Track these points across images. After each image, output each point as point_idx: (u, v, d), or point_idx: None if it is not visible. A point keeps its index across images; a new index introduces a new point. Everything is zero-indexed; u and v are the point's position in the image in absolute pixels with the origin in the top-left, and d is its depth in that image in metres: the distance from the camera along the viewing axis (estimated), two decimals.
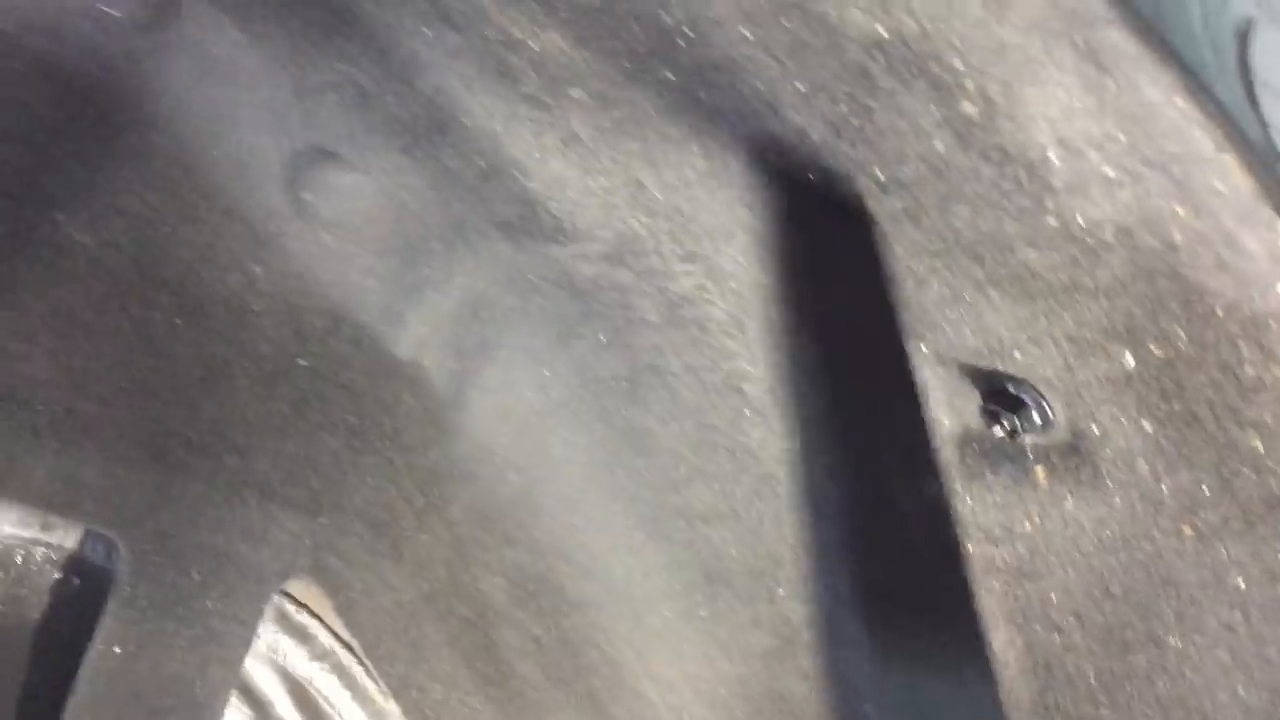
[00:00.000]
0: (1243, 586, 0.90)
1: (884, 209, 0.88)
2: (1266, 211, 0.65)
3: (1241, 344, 0.76)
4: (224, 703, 1.04)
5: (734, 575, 1.28)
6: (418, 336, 1.21)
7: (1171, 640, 1.00)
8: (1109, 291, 0.80)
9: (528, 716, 1.29)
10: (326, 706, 1.15)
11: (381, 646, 1.13)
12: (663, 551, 1.30)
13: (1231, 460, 0.84)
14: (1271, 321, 0.72)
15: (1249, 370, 0.77)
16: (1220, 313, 0.75)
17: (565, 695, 1.33)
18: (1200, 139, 0.64)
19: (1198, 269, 0.72)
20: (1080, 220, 0.76)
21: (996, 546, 1.10)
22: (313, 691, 1.16)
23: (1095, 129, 0.68)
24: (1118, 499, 0.97)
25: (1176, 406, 0.84)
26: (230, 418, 1.08)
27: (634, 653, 1.36)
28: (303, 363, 1.13)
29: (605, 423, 1.24)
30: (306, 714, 1.16)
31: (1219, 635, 0.96)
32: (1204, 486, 0.88)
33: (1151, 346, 0.82)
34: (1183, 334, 0.79)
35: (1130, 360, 0.84)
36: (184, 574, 1.01)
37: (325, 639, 1.15)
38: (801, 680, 1.30)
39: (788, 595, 1.25)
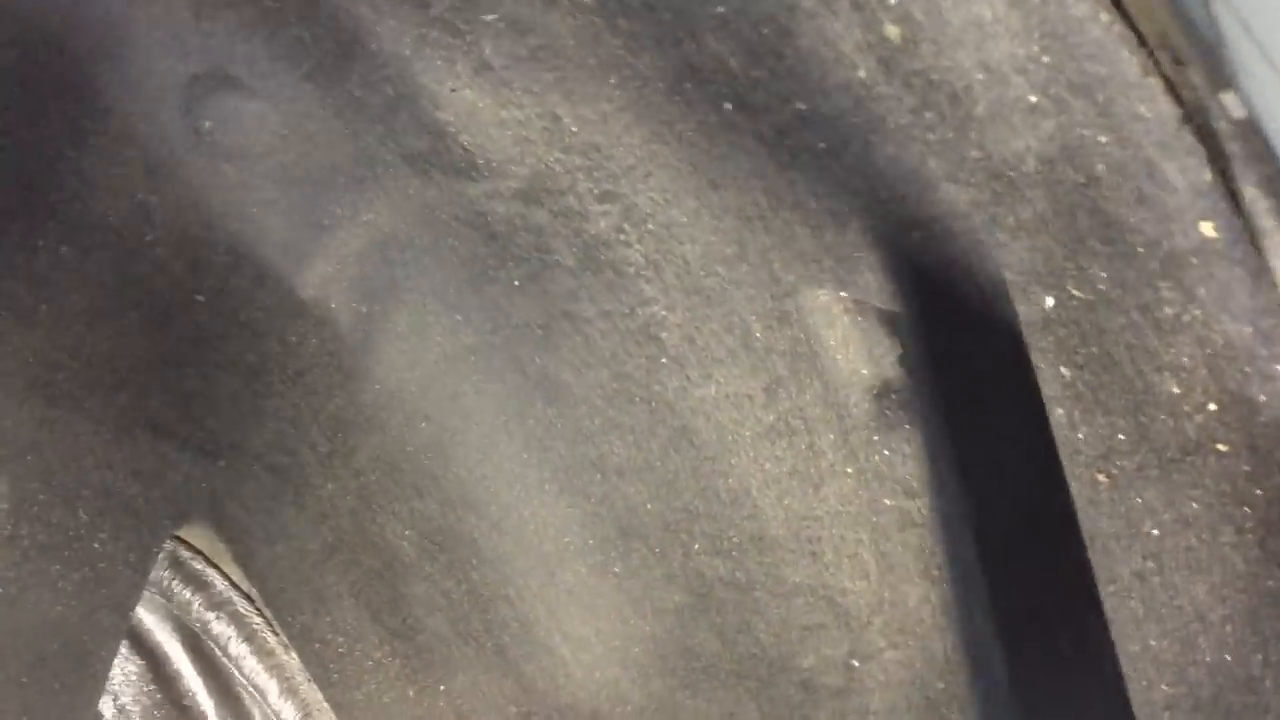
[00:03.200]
0: (1156, 534, 0.89)
1: (805, 143, 0.85)
2: (1189, 139, 0.64)
3: (1161, 284, 0.74)
4: (113, 651, 0.99)
5: (648, 530, 1.25)
6: (323, 276, 1.16)
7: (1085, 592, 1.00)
8: (1030, 230, 0.78)
9: (435, 672, 1.25)
10: (223, 658, 1.11)
11: (282, 596, 1.09)
12: (576, 505, 1.27)
13: (1148, 406, 0.83)
14: (1192, 259, 0.71)
15: (1168, 311, 0.76)
16: (1141, 250, 0.73)
17: (475, 651, 1.29)
18: (1126, 60, 0.62)
19: (1119, 203, 0.71)
20: (1003, 152, 0.74)
21: (914, 499, 1.09)
22: (208, 642, 1.11)
23: (1020, 51, 0.66)
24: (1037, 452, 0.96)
25: (1094, 351, 0.83)
26: (121, 352, 1.02)
27: (546, 609, 1.33)
28: (200, 298, 1.08)
29: (518, 371, 1.20)
30: (201, 665, 1.11)
31: (1131, 585, 0.95)
32: (1120, 434, 0.87)
33: (1071, 288, 0.81)
34: (1103, 274, 0.77)
35: (1049, 302, 0.83)
36: (70, 513, 0.95)
37: (222, 587, 1.10)
38: (715, 637, 1.28)
39: (702, 550, 1.23)
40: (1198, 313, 0.73)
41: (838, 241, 0.93)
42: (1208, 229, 0.68)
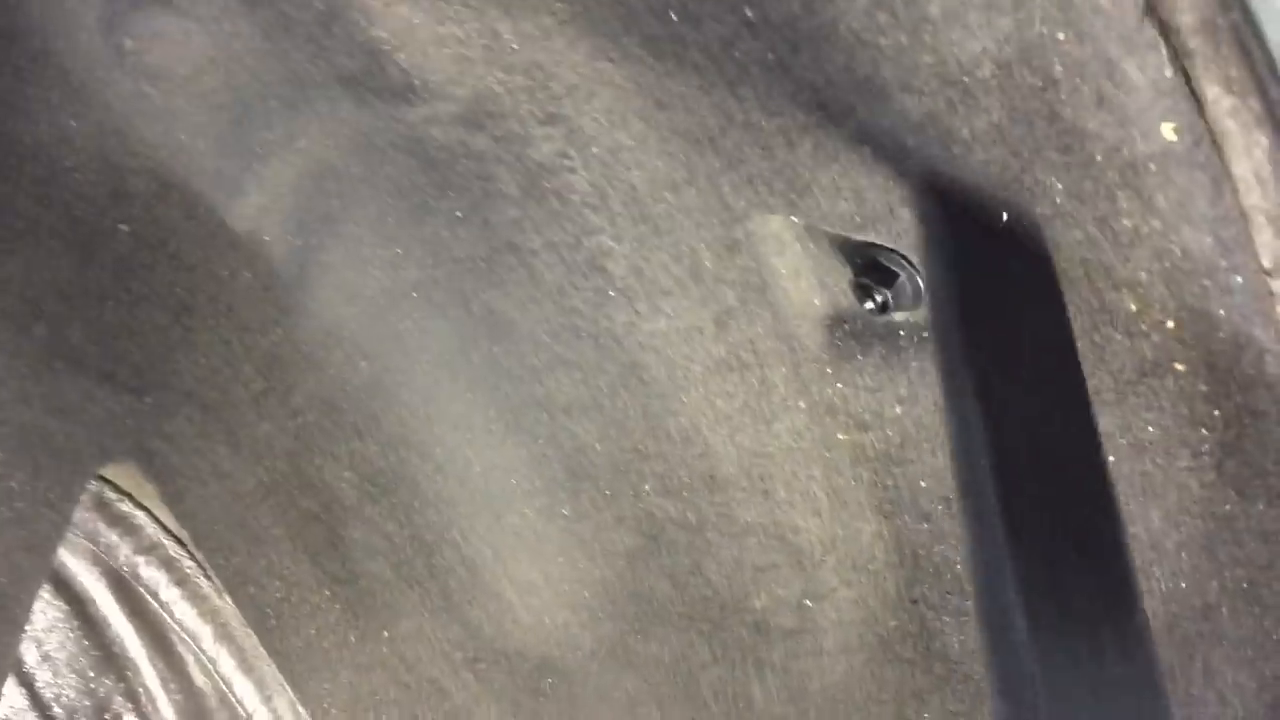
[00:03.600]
0: (1111, 460, 0.88)
1: (753, 55, 0.82)
2: (1150, 33, 0.61)
3: (1120, 194, 0.72)
4: (32, 594, 0.95)
5: (597, 471, 1.23)
6: (256, 207, 1.12)
7: None
8: (985, 142, 0.75)
9: (378, 617, 1.22)
10: (153, 602, 1.07)
11: (214, 539, 1.05)
12: (523, 446, 1.24)
13: (1105, 325, 0.81)
14: (1152, 165, 0.68)
15: (1126, 223, 0.73)
16: (1099, 158, 0.71)
17: (419, 595, 1.26)
18: None
19: (1077, 107, 0.68)
20: (958, 56, 0.71)
21: (867, 432, 1.07)
22: (138, 587, 1.07)
23: None
24: (990, 377, 0.94)
25: (1049, 269, 0.81)
26: (39, 282, 0.97)
27: (492, 553, 1.30)
28: (124, 228, 1.03)
29: (461, 307, 1.17)
30: (130, 611, 1.07)
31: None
32: (1071, 358, 0.85)
33: (1026, 202, 0.78)
34: (1060, 186, 0.75)
35: (1004, 217, 0.80)
36: None
37: (151, 530, 1.06)
38: (666, 580, 1.26)
39: (652, 491, 1.21)
40: (1157, 223, 0.71)
41: (789, 161, 0.90)
42: (1169, 131, 0.66)
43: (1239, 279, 0.71)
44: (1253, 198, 0.67)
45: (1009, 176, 0.77)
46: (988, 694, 1.11)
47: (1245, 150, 0.65)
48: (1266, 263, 0.70)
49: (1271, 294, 0.71)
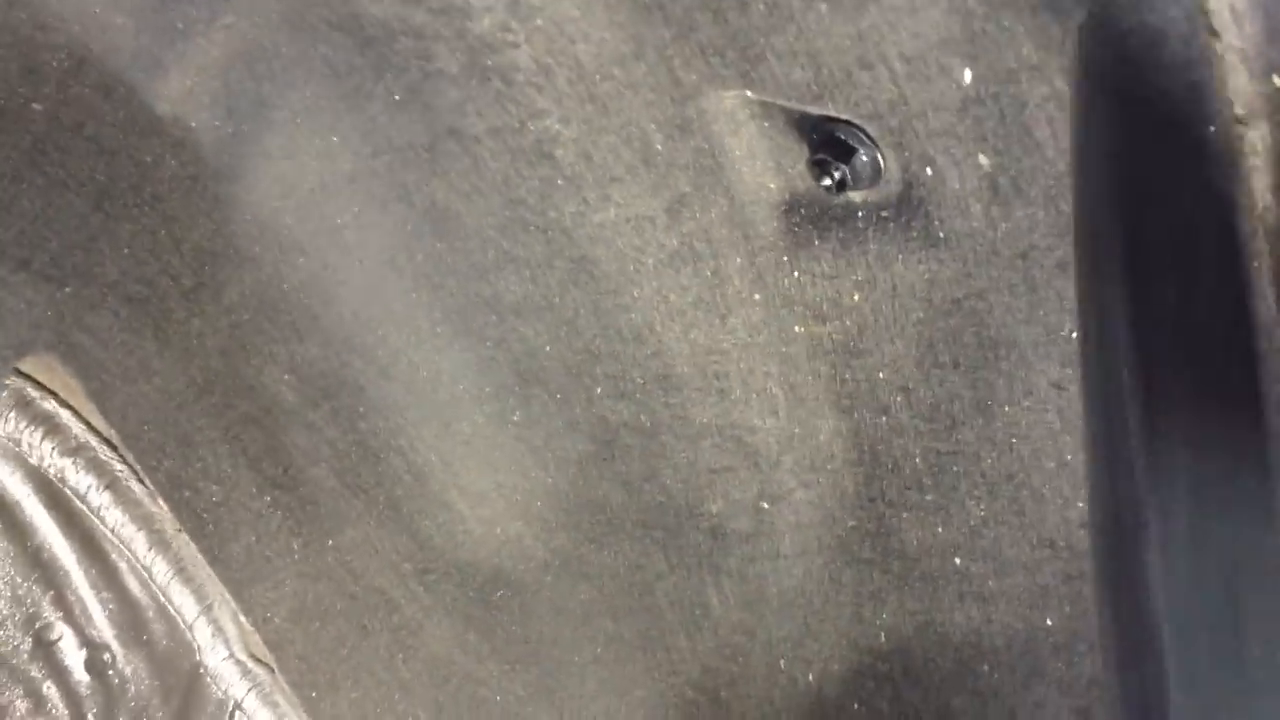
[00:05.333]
0: (1074, 337, 0.85)
1: None
2: None
3: (1090, 39, 0.68)
4: None
5: (549, 374, 1.19)
6: (180, 90, 1.06)
7: (1001, 409, 0.95)
8: None
9: (323, 525, 1.18)
10: (82, 506, 1.02)
11: (145, 440, 1.00)
12: (471, 349, 1.20)
13: (1068, 191, 0.77)
14: (1123, 5, 0.65)
15: (1096, 72, 0.69)
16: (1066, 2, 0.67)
17: (365, 504, 1.22)
18: None
19: None
20: None
21: (824, 324, 1.04)
22: (65, 490, 1.02)
23: None
24: (950, 253, 0.90)
25: (1015, 131, 0.77)
26: None
27: (441, 461, 1.26)
28: (37, 107, 0.97)
29: (403, 200, 1.12)
30: (58, 515, 1.02)
31: (1049, 396, 0.91)
32: (1041, 226, 0.81)
33: (991, 57, 0.74)
34: (1024, 33, 0.71)
35: (967, 76, 0.76)
36: None
37: (78, 430, 1.01)
38: (620, 487, 1.23)
39: (605, 394, 1.17)
40: (1128, 70, 0.67)
41: (741, 26, 0.85)
42: None
43: (1211, 129, 0.68)
44: (1228, 37, 0.64)
45: (974, 26, 0.73)
46: (944, 590, 1.09)
47: None
48: (1240, 110, 0.67)
49: (1244, 145, 0.68)
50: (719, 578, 1.23)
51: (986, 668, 1.08)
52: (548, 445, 1.24)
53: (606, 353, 1.14)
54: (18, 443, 1.02)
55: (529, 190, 1.06)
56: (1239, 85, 0.66)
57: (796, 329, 1.06)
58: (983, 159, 0.81)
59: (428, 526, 1.27)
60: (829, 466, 1.11)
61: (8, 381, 1.00)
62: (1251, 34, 0.64)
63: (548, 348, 1.17)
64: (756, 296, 1.06)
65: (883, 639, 1.14)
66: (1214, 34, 0.64)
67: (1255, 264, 0.73)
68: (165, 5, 1.02)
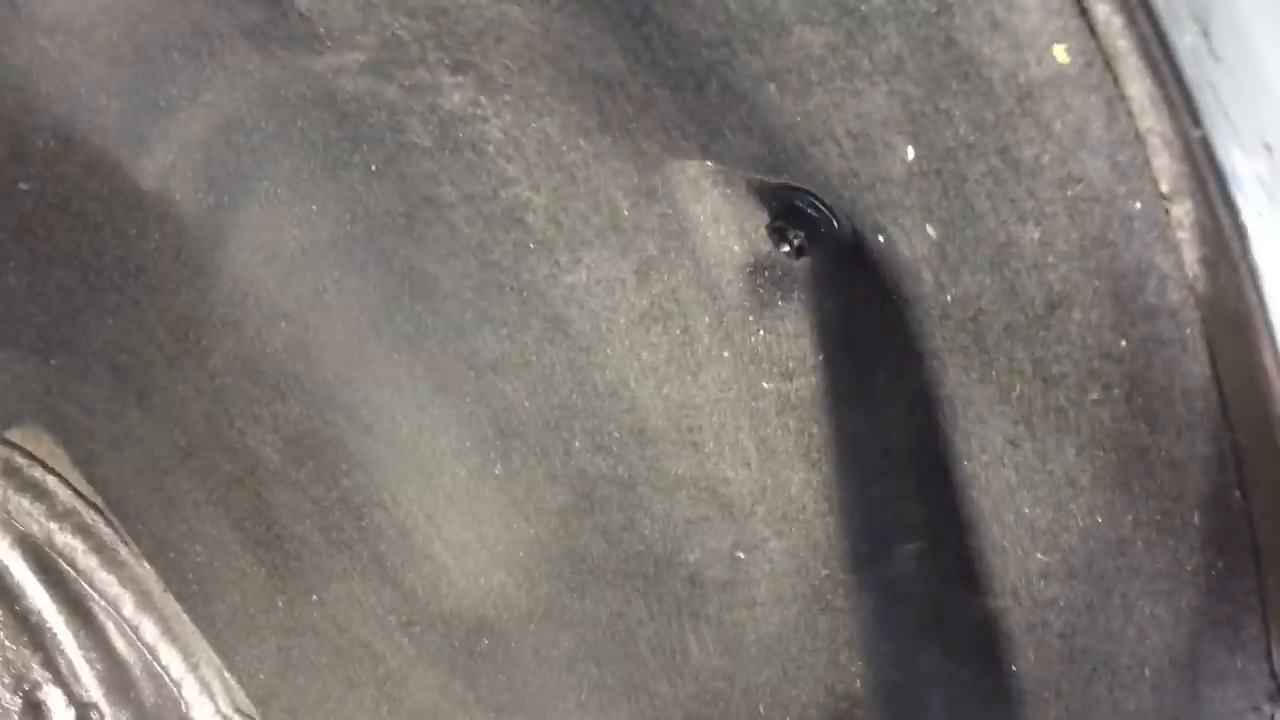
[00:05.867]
0: (1026, 396, 0.88)
1: (656, 6, 0.81)
2: None
3: (1019, 122, 0.71)
4: None
5: (528, 429, 1.21)
6: (163, 164, 1.09)
7: (959, 463, 0.98)
8: (886, 72, 0.74)
9: (306, 581, 1.20)
10: (69, 569, 1.04)
11: (130, 504, 1.03)
12: (451, 405, 1.23)
13: (1013, 259, 0.80)
14: (1047, 90, 0.68)
15: (1027, 152, 0.73)
16: (997, 86, 0.70)
17: (349, 560, 1.25)
18: None
19: (972, 31, 0.67)
20: None
21: (791, 380, 1.06)
22: (53, 555, 1.05)
23: None
24: (904, 315, 0.93)
25: (958, 204, 0.80)
26: None
27: (424, 515, 1.29)
28: (23, 186, 1.00)
29: (382, 264, 1.15)
30: (46, 579, 1.05)
31: (1004, 453, 0.94)
32: (987, 292, 0.84)
33: (931, 135, 0.77)
34: (962, 116, 0.74)
35: (910, 153, 0.79)
36: None
37: (65, 496, 1.03)
38: (600, 537, 1.25)
39: (583, 447, 1.20)
40: (1055, 150, 0.70)
41: (697, 103, 0.89)
42: (1060, 53, 0.65)
43: (1137, 205, 0.71)
44: (1148, 120, 0.67)
45: (913, 108, 0.76)
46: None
47: (1139, 70, 0.64)
48: (1164, 187, 0.70)
49: (1170, 219, 0.71)
50: (698, 625, 1.25)
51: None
52: (528, 497, 1.26)
53: (583, 408, 1.17)
54: (6, 509, 1.05)
55: (503, 254, 1.10)
56: (1162, 164, 0.69)
57: (765, 385, 1.08)
58: (929, 229, 0.84)
59: (412, 579, 1.29)
60: (801, 517, 1.13)
61: None
62: (1169, 118, 0.67)
63: (526, 403, 1.20)
64: (725, 354, 1.08)
65: (858, 685, 1.16)
66: (1134, 118, 0.67)
67: (1188, 330, 0.76)
68: (149, 84, 1.05)
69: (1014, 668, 1.04)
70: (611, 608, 1.29)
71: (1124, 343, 0.79)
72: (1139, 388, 0.80)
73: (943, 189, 0.80)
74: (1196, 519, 0.85)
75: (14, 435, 1.01)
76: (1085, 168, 0.70)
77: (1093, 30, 0.64)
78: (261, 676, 1.21)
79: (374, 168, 1.08)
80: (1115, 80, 0.65)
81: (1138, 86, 0.65)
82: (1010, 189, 0.76)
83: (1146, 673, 0.92)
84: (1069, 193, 0.73)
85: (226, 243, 1.13)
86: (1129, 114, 0.66)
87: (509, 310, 1.13)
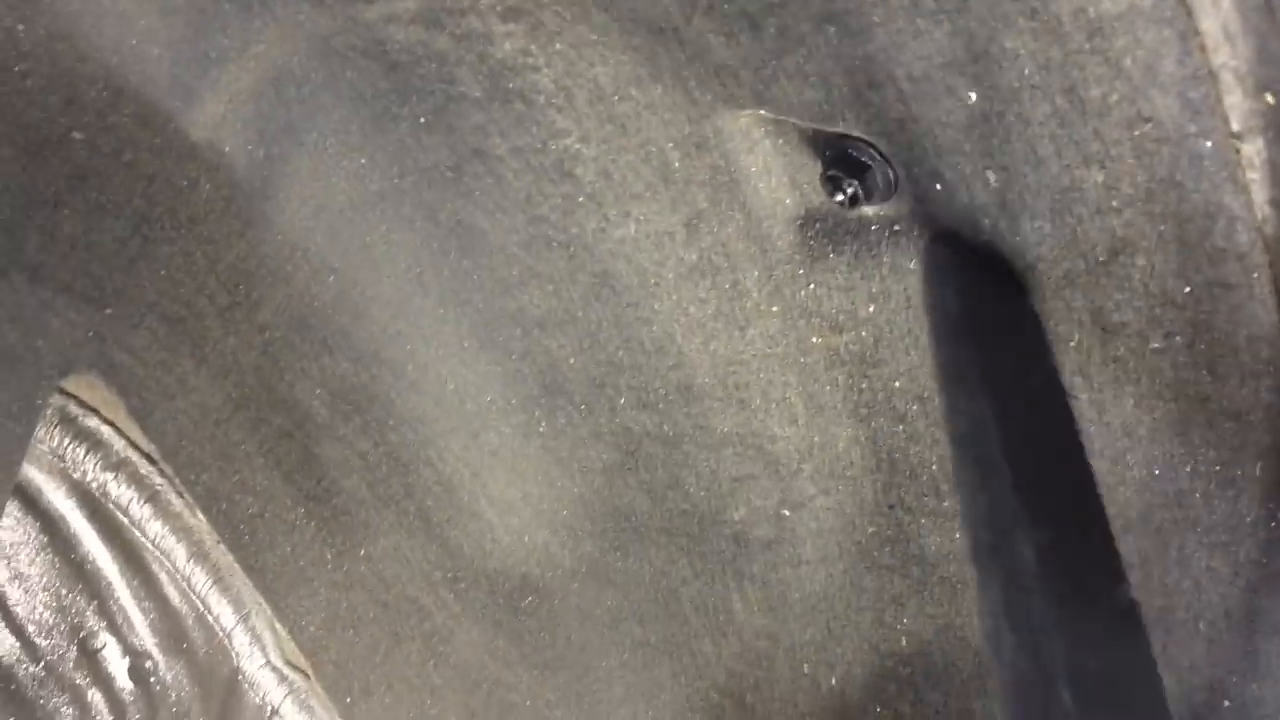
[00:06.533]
0: (1084, 346, 0.87)
1: None
2: None
3: (1088, 60, 0.70)
4: None
5: (573, 386, 1.21)
6: (214, 116, 1.09)
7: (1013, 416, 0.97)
8: (950, 10, 0.73)
9: (355, 535, 1.21)
10: (124, 519, 1.05)
11: (183, 454, 1.04)
12: (497, 362, 1.22)
13: (1075, 204, 0.79)
14: (1117, 24, 0.67)
15: (1094, 91, 0.72)
16: (1066, 22, 0.69)
17: (396, 515, 1.25)
18: None
19: None
20: None
21: (840, 334, 1.06)
22: (108, 504, 1.06)
23: None
24: (960, 265, 0.92)
25: (1020, 148, 0.79)
26: None
27: (470, 472, 1.29)
28: (78, 136, 1.00)
29: (429, 218, 1.15)
30: (101, 528, 1.06)
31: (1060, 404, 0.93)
32: (1048, 239, 0.83)
33: (994, 77, 0.76)
34: (1027, 54, 0.73)
35: (973, 97, 0.78)
36: None
37: (119, 445, 1.04)
38: (645, 495, 1.25)
39: (628, 404, 1.20)
40: (1124, 88, 0.69)
41: (753, 49, 0.88)
42: None
43: (1208, 144, 0.69)
44: (1221, 55, 0.65)
45: (977, 48, 0.75)
46: (963, 595, 1.11)
47: (1213, 3, 0.63)
48: (1236, 126, 0.69)
49: (1241, 159, 0.70)
50: (743, 583, 1.25)
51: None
52: (573, 455, 1.26)
53: (629, 364, 1.17)
54: (62, 458, 1.06)
55: (551, 208, 1.09)
56: (1234, 102, 0.68)
57: (814, 340, 1.08)
58: (990, 176, 0.83)
59: (457, 536, 1.30)
60: (848, 474, 1.13)
61: (52, 399, 1.04)
62: (1244, 53, 0.66)
63: (572, 360, 1.20)
64: (774, 308, 1.08)
65: (904, 643, 1.16)
66: (1207, 53, 0.66)
67: (1255, 274, 0.74)
68: (199, 36, 1.05)
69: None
70: (655, 566, 1.29)
71: (1188, 288, 0.78)
72: (1201, 335, 0.79)
73: (1005, 133, 0.79)
74: (1258, 470, 0.84)
75: (70, 384, 1.02)
76: (1155, 106, 0.69)
77: None
78: (311, 629, 1.23)
79: (423, 120, 1.07)
80: (1189, 14, 0.64)
81: (1211, 20, 0.64)
82: (1076, 131, 0.74)
83: (1201, 626, 0.91)
84: (1136, 133, 0.72)
85: (276, 195, 1.13)
86: (1202, 49, 0.65)
87: (556, 266, 1.13)
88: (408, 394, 1.24)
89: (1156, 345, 0.82)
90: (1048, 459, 0.97)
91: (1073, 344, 0.87)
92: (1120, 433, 0.89)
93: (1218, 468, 0.85)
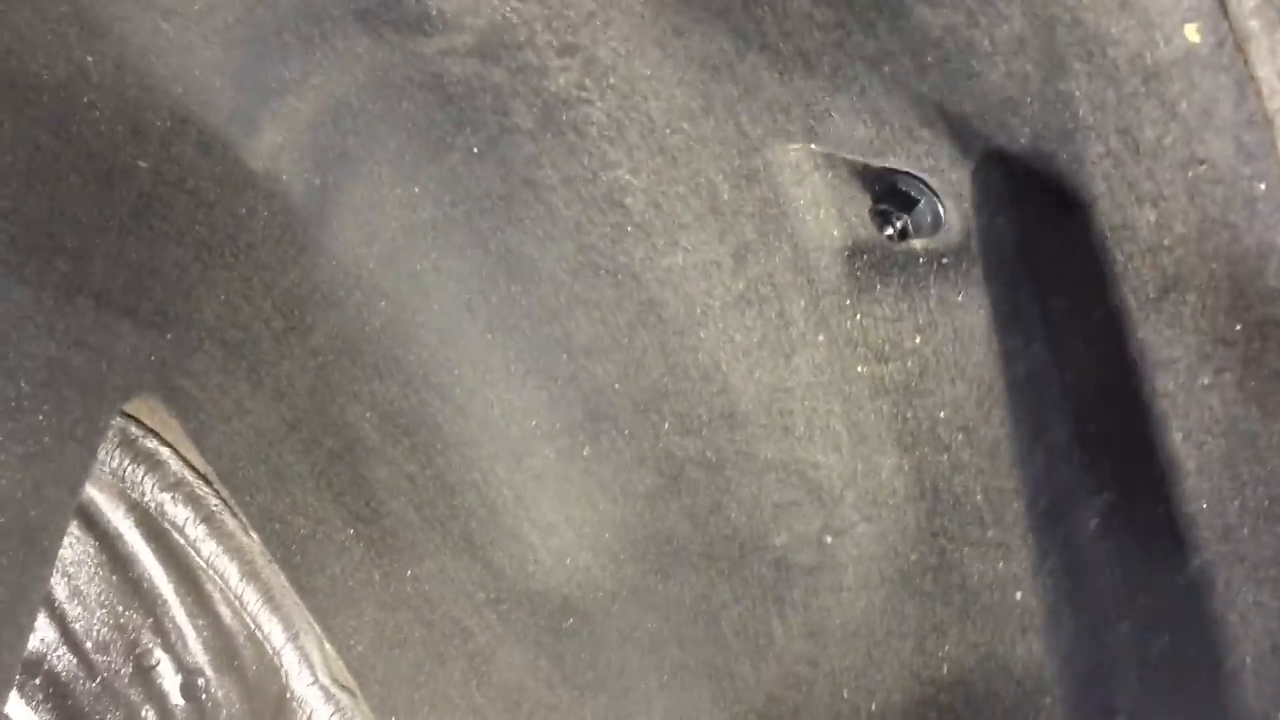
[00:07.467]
0: (1132, 382, 0.87)
1: None
2: None
3: (1143, 102, 0.71)
4: (62, 527, 0.96)
5: (618, 411, 1.23)
6: (273, 145, 1.12)
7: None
8: (1006, 52, 0.75)
9: (402, 557, 1.23)
10: (180, 539, 1.08)
11: (239, 475, 1.06)
12: (543, 387, 1.24)
13: (1126, 242, 0.80)
14: (1174, 70, 0.68)
15: (1149, 133, 0.73)
16: (1121, 65, 0.70)
17: (442, 537, 1.27)
18: None
19: (1099, 11, 0.68)
20: None
21: (886, 364, 1.07)
22: (164, 524, 1.08)
23: None
24: (1009, 299, 0.93)
25: (1069, 185, 0.80)
26: (60, 217, 0.98)
27: (514, 495, 1.31)
28: (143, 164, 1.03)
29: (480, 246, 1.17)
30: (158, 547, 1.08)
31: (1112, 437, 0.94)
32: (1100, 275, 0.84)
33: (1047, 118, 0.77)
34: (1082, 96, 0.74)
35: (1025, 135, 0.80)
36: (11, 383, 0.91)
37: (177, 466, 1.06)
38: (687, 520, 1.26)
39: (672, 430, 1.21)
40: (1179, 131, 0.70)
41: (806, 86, 0.89)
42: (1192, 33, 0.65)
43: (1262, 186, 0.70)
44: (1277, 101, 0.67)
45: (1031, 89, 0.76)
46: (1004, 624, 1.11)
47: (1270, 51, 0.64)
48: None
49: None
50: (783, 609, 1.25)
51: (1049, 700, 1.10)
52: (616, 479, 1.27)
53: (674, 390, 1.18)
54: (121, 478, 1.08)
55: (600, 236, 1.11)
56: None
57: (859, 369, 1.09)
58: (1040, 214, 0.84)
59: (500, 557, 1.31)
60: (891, 502, 1.13)
61: (114, 421, 1.06)
62: None
63: (617, 386, 1.21)
64: (820, 338, 1.09)
65: (945, 670, 1.16)
66: (1262, 99, 0.67)
67: None
68: (260, 67, 1.08)
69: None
70: (696, 590, 1.30)
71: (1239, 326, 0.79)
72: (1252, 372, 0.80)
73: (1058, 172, 0.80)
74: None
75: (131, 406, 1.04)
76: (1209, 149, 0.70)
77: (1224, 9, 0.64)
78: (359, 649, 1.24)
79: (476, 150, 1.09)
80: (1245, 61, 0.65)
81: (1268, 67, 0.65)
82: (1129, 171, 0.76)
83: (1248, 660, 0.92)
84: (1190, 174, 0.73)
85: (331, 222, 1.15)
86: (1258, 94, 0.66)
87: (604, 293, 1.15)
88: (455, 418, 1.25)
89: (1206, 381, 0.83)
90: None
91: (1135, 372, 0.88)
92: (1167, 467, 0.89)
93: (1266, 503, 0.85)
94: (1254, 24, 0.64)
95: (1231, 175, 0.71)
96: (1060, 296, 0.87)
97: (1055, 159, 0.79)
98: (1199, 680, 0.93)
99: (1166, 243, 0.78)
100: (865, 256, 1.03)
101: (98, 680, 1.15)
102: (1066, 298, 0.86)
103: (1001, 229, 0.87)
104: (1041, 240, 0.86)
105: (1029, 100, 0.77)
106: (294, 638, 1.22)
